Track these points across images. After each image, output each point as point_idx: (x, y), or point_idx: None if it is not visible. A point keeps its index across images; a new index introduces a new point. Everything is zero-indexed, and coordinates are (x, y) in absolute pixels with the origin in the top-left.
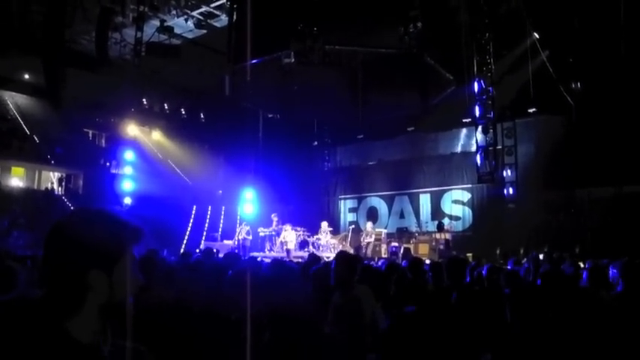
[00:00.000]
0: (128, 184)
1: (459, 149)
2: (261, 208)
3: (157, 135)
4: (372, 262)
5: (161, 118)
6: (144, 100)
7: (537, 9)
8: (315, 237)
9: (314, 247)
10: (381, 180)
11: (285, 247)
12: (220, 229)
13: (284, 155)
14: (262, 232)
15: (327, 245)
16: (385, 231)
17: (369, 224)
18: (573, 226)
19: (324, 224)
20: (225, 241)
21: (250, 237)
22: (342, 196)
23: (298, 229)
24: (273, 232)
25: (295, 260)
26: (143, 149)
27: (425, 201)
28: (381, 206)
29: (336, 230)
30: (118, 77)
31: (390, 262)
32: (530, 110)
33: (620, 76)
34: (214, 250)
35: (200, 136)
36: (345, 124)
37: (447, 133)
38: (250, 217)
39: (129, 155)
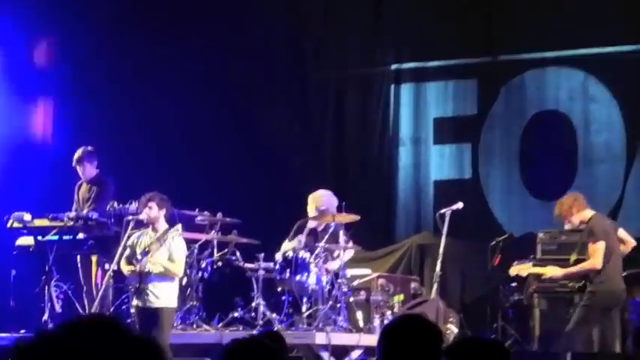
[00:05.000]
0: None
1: None
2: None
3: None
4: None
5: None
6: None
7: None
8: (283, 252)
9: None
10: None
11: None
12: None
13: None
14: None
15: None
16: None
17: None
18: None
19: (320, 198)
20: None
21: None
22: (404, 66)
23: (207, 214)
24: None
25: None
26: None
27: None
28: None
29: (374, 229)
30: None
31: None
32: None
33: None
34: None
35: None
36: None
37: None
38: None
39: None
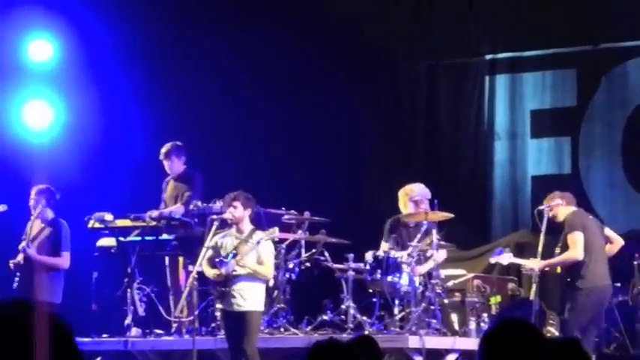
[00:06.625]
0: None
1: None
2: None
3: None
4: None
5: None
6: None
7: None
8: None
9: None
10: None
11: None
12: None
13: None
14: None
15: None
16: None
17: None
18: None
19: (412, 190)
20: None
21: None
22: (499, 56)
23: (294, 213)
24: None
25: None
26: None
27: None
28: None
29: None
30: None
31: None
32: None
33: None
34: None
35: None
36: None
37: None
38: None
39: None
